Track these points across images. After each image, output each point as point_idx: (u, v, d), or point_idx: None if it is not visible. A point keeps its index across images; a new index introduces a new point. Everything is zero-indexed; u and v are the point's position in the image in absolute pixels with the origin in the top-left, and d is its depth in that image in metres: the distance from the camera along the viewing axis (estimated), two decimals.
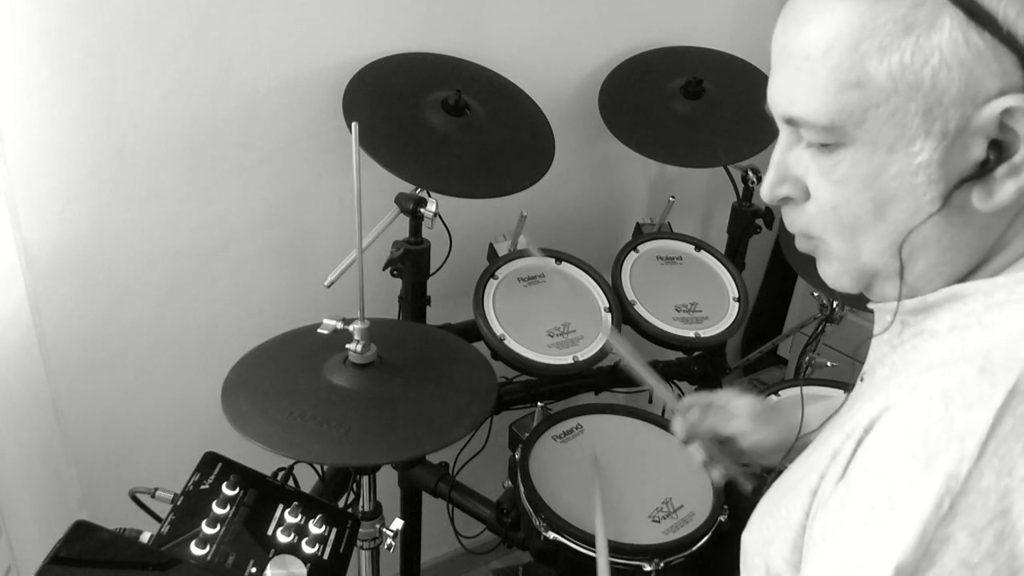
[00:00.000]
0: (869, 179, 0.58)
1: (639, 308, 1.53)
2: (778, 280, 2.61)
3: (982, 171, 0.55)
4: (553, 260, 1.56)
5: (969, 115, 0.54)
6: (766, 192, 0.65)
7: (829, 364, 1.87)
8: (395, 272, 1.42)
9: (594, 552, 1.17)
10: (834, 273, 0.66)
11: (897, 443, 0.53)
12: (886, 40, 0.54)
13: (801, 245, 0.68)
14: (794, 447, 0.87)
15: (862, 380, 0.72)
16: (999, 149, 0.55)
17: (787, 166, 0.64)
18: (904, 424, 0.53)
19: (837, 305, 1.81)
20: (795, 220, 0.66)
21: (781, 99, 0.61)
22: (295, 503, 1.01)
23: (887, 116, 0.56)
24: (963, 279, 0.61)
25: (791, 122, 0.61)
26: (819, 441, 0.66)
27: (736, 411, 0.95)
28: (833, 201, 0.61)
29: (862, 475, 0.55)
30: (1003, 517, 0.48)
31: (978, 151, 0.55)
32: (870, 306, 0.69)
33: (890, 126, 0.56)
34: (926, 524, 0.49)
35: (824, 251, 0.66)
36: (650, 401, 1.75)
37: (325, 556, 0.98)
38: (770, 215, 1.76)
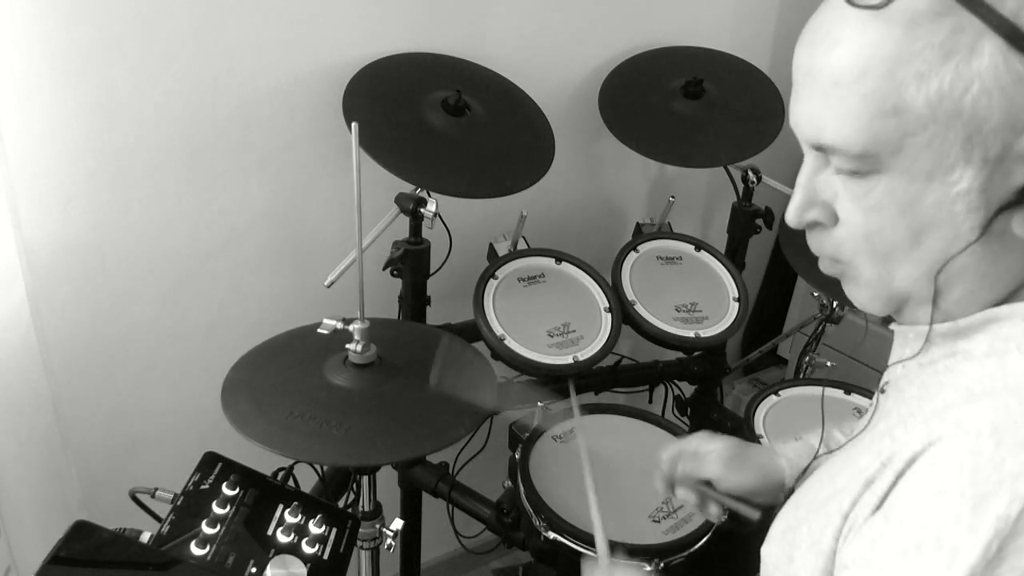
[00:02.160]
0: (905, 207, 0.56)
1: (639, 308, 1.52)
2: (778, 280, 2.60)
3: (1023, 198, 0.54)
4: (553, 260, 1.56)
5: (1010, 142, 0.52)
6: (792, 217, 0.63)
7: (829, 364, 1.87)
8: (395, 272, 1.42)
9: (595, 552, 1.18)
10: (864, 298, 0.64)
11: (944, 480, 0.52)
12: (923, 67, 0.52)
13: (827, 268, 0.66)
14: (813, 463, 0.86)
15: (883, 392, 0.71)
16: None
17: (815, 190, 0.62)
18: (951, 461, 0.52)
19: (837, 305, 1.81)
20: (823, 244, 0.64)
21: (808, 125, 0.59)
22: (295, 503, 1.01)
23: (925, 144, 0.54)
24: (1000, 305, 0.59)
25: (820, 148, 0.59)
26: (846, 460, 0.65)
27: (707, 456, 0.94)
28: (867, 227, 0.59)
29: (905, 510, 0.54)
30: None
31: (1019, 177, 0.54)
32: (892, 327, 0.67)
33: (928, 154, 0.54)
34: (973, 567, 0.49)
35: (853, 276, 0.64)
36: (650, 401, 1.76)
37: (325, 556, 0.97)
38: (770, 215, 1.76)
